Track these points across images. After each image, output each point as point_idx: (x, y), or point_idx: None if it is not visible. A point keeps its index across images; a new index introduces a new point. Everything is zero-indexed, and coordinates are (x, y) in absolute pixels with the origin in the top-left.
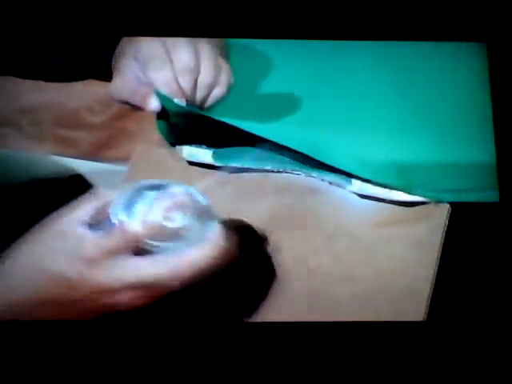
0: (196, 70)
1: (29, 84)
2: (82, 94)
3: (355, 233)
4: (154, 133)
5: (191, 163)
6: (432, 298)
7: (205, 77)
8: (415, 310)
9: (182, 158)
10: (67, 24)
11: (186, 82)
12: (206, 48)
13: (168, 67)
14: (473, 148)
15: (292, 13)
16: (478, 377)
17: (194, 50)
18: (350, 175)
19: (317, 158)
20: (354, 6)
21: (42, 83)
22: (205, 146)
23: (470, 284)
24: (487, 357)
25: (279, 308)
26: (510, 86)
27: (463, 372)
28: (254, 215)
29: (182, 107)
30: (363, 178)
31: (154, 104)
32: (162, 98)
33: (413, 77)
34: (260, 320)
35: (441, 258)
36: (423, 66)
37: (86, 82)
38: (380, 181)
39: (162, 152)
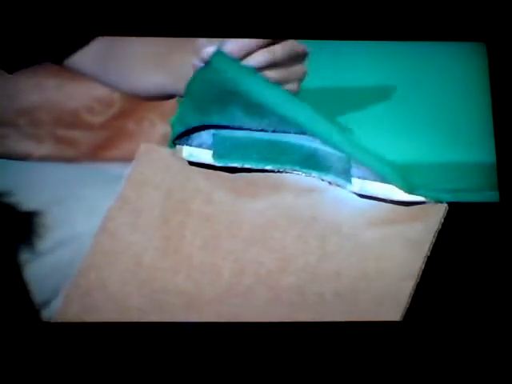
0: (272, 64)
1: (27, 84)
2: (81, 93)
3: (348, 232)
4: (153, 133)
5: (191, 163)
6: (428, 299)
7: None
8: (397, 309)
9: (182, 158)
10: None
11: (254, 61)
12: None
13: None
14: (473, 148)
15: (291, 13)
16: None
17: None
18: (350, 175)
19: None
20: (355, 6)
21: (41, 83)
22: (205, 146)
23: (471, 284)
24: (483, 356)
25: (269, 308)
26: (510, 86)
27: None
28: (253, 215)
29: (231, 64)
30: (363, 177)
31: (209, 49)
32: (219, 53)
33: (413, 77)
34: (245, 320)
35: (440, 259)
36: (423, 65)
37: (85, 82)
38: (380, 180)
39: (167, 151)
